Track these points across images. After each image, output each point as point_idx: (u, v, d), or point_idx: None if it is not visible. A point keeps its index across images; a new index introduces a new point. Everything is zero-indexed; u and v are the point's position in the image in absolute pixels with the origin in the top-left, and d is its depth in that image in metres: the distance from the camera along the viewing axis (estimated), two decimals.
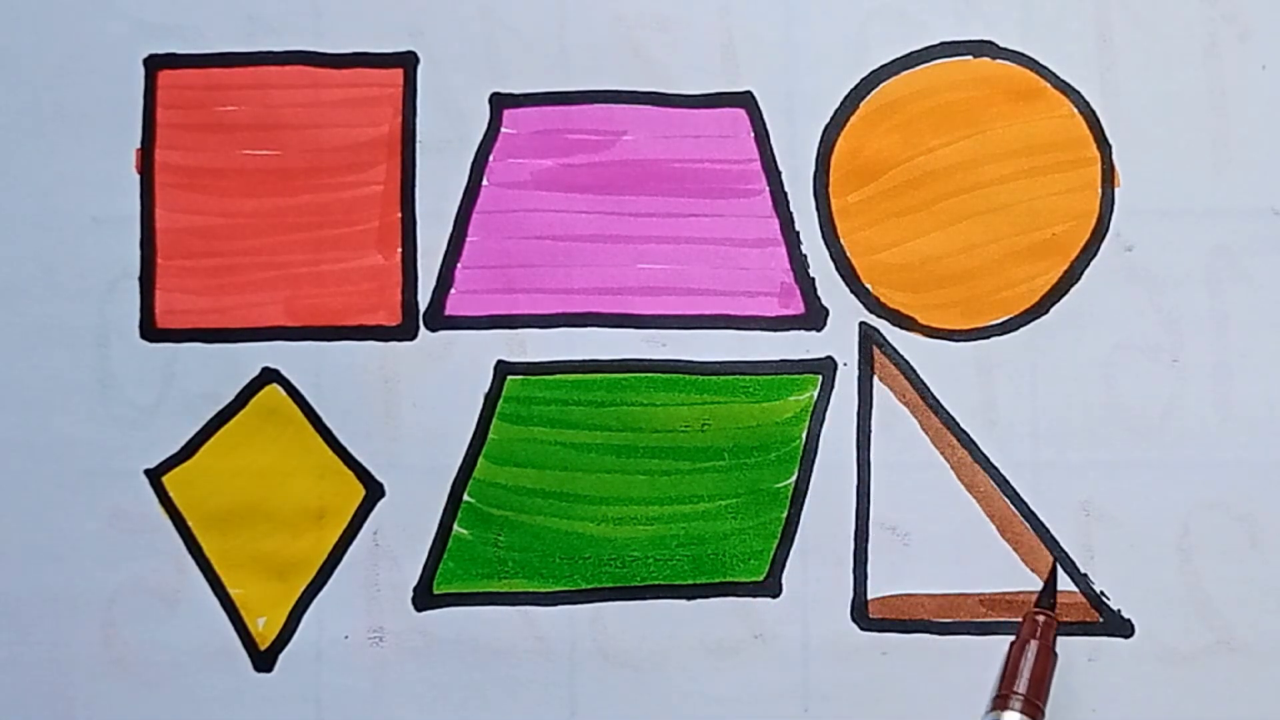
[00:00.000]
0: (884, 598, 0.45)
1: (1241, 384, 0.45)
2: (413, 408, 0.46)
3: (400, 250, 0.46)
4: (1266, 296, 0.45)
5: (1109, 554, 0.44)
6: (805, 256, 0.46)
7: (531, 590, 0.45)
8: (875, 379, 0.46)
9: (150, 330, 0.46)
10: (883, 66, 0.46)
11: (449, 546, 0.46)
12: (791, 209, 0.46)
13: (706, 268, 0.46)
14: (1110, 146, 0.46)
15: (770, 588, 0.45)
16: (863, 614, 0.45)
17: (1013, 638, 0.44)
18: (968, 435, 0.45)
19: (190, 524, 0.46)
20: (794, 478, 0.45)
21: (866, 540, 0.45)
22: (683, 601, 0.45)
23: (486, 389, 0.46)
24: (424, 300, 0.46)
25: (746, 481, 0.45)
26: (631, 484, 0.46)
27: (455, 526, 0.46)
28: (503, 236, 0.46)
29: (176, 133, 0.47)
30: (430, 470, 0.46)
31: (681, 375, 0.46)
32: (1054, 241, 0.46)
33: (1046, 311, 0.46)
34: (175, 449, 0.46)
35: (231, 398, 0.46)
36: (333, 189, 0.46)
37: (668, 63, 0.46)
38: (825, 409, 0.46)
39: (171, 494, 0.46)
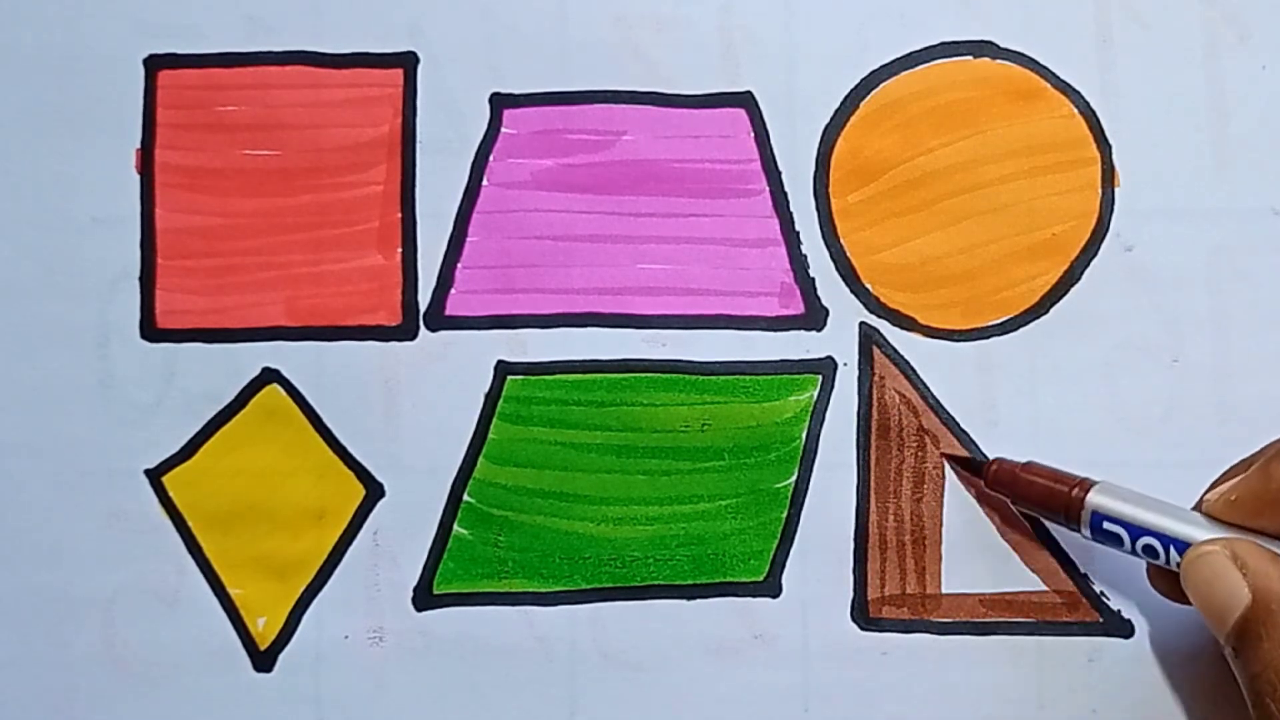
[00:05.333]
0: (884, 597, 0.45)
1: (1241, 384, 0.45)
2: (413, 408, 0.46)
3: (400, 250, 0.46)
4: (1266, 296, 0.45)
5: (1109, 554, 0.43)
6: (805, 256, 0.46)
7: (531, 590, 0.45)
8: (875, 379, 0.46)
9: (150, 330, 0.46)
10: (883, 66, 0.46)
11: (449, 546, 0.46)
12: (791, 209, 0.46)
13: (706, 268, 0.46)
14: (1110, 146, 0.46)
15: (770, 588, 0.45)
16: (863, 614, 0.45)
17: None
18: (968, 435, 0.45)
19: (190, 524, 0.46)
20: (794, 478, 0.45)
21: (866, 540, 0.45)
22: (683, 601, 0.45)
23: (486, 389, 0.46)
24: (424, 300, 0.46)
25: (746, 481, 0.45)
26: (631, 484, 0.45)
27: (455, 526, 0.46)
28: (503, 236, 0.46)
29: (176, 133, 0.47)
30: (430, 470, 0.46)
31: (681, 375, 0.46)
32: (1054, 241, 0.46)
33: (1046, 311, 0.46)
34: (175, 449, 0.46)
35: (232, 398, 0.46)
36: (333, 189, 0.46)
37: (668, 63, 0.46)
38: (825, 409, 0.46)
39: (171, 494, 0.46)
